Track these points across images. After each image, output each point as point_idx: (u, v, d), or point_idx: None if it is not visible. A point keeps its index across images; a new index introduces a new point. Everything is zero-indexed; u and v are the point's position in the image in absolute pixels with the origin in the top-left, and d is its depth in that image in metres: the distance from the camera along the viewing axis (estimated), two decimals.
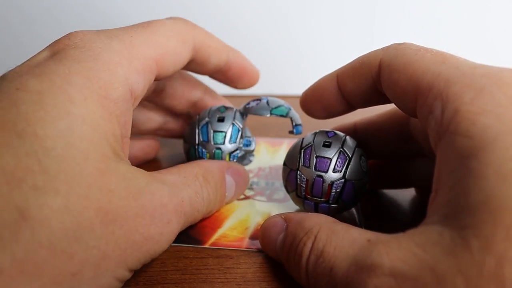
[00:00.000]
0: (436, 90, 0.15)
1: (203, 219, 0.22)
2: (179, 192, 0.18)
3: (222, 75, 0.25)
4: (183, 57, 0.21)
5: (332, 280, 0.15)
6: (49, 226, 0.13)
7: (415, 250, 0.13)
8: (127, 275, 0.16)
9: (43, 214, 0.13)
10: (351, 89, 0.20)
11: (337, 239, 0.16)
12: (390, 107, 0.21)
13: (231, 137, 0.23)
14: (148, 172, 0.18)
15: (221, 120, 0.24)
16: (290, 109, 0.24)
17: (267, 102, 0.24)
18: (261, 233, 0.20)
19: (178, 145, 0.31)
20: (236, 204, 0.24)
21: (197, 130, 0.24)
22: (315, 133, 0.22)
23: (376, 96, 0.20)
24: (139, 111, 0.27)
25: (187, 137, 0.24)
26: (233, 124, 0.24)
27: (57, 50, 0.17)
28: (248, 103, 0.24)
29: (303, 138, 0.22)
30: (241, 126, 0.24)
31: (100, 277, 0.14)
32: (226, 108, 0.24)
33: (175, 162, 0.28)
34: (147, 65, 0.19)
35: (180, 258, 0.20)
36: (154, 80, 0.20)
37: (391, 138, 0.23)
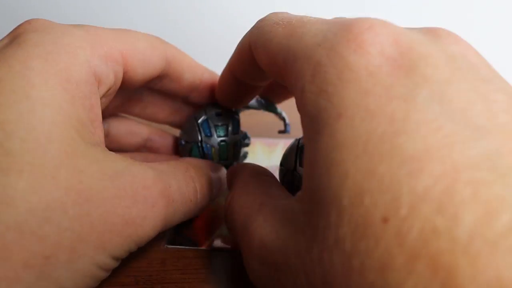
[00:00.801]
0: (288, 68, 0.15)
1: (198, 220, 0.22)
2: (166, 178, 0.17)
3: (199, 94, 0.24)
4: (153, 63, 0.20)
5: (234, 231, 0.17)
6: (15, 207, 0.13)
7: (276, 226, 0.15)
8: (110, 263, 0.15)
9: (7, 195, 0.13)
10: (244, 77, 0.20)
11: (244, 199, 0.17)
12: None
13: (233, 129, 0.23)
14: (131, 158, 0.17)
15: (220, 114, 0.24)
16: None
17: (262, 100, 0.24)
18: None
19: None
20: None
21: (197, 128, 0.24)
22: None
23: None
24: (118, 124, 0.26)
25: (186, 137, 0.24)
26: (232, 116, 0.24)
27: (17, 35, 0.17)
28: None
29: (299, 139, 0.22)
30: (239, 118, 0.24)
31: (77, 262, 0.14)
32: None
33: None
34: (111, 54, 0.18)
35: (180, 258, 0.20)
36: (125, 84, 0.20)
37: None
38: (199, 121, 0.24)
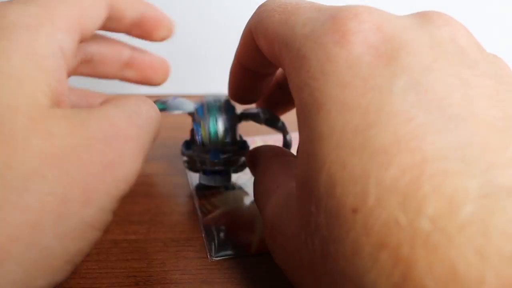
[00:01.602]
0: (283, 57, 0.15)
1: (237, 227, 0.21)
2: (124, 109, 0.17)
3: (139, 29, 0.24)
4: (100, 13, 0.20)
5: (260, 211, 0.18)
6: None
7: (281, 209, 0.15)
8: (102, 217, 0.15)
9: None
10: (251, 64, 0.20)
11: (266, 180, 0.18)
12: None
13: (230, 110, 0.23)
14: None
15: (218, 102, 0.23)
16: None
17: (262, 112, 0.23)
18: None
19: (178, 146, 0.31)
20: (254, 207, 0.24)
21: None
22: None
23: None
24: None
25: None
26: (227, 104, 0.23)
27: None
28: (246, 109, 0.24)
29: None
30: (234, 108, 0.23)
31: (65, 225, 0.14)
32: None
33: (175, 163, 0.28)
34: (70, 24, 0.18)
35: (180, 258, 0.20)
36: (80, 42, 0.20)
37: None
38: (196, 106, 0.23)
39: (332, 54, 0.13)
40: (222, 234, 0.21)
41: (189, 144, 0.24)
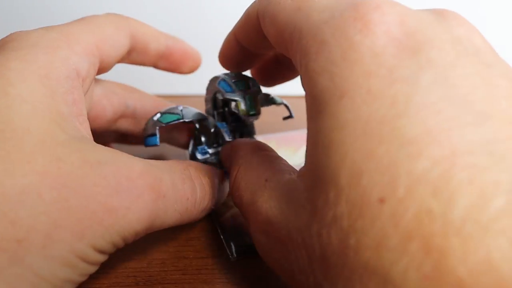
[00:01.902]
0: (294, 44, 0.15)
1: None
2: (157, 172, 0.17)
3: (165, 61, 0.25)
4: (122, 43, 0.21)
5: (241, 207, 0.17)
6: None
7: (281, 202, 0.15)
8: (93, 254, 0.15)
9: None
10: (248, 44, 0.20)
11: (249, 175, 0.17)
12: None
13: (253, 83, 0.22)
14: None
15: (233, 75, 0.22)
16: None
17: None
18: (220, 156, 0.22)
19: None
20: None
21: (217, 89, 0.22)
22: None
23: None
24: (112, 140, 0.26)
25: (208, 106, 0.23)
26: (246, 76, 0.23)
27: None
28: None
29: None
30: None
31: (52, 248, 0.13)
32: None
33: None
34: (87, 49, 0.19)
35: (180, 258, 0.20)
36: (100, 72, 0.21)
37: None
38: (216, 83, 0.22)
39: (354, 41, 0.13)
40: (239, 233, 0.21)
41: (201, 149, 0.24)
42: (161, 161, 0.18)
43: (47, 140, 0.15)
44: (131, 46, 0.22)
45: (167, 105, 0.24)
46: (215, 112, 0.24)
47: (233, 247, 0.20)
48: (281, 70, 0.24)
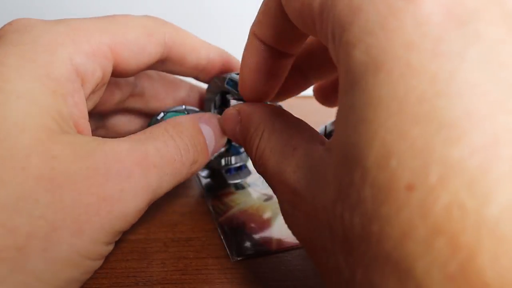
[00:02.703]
0: (325, 14, 0.13)
1: (254, 224, 0.21)
2: (141, 146, 0.17)
3: (207, 75, 0.23)
4: (149, 51, 0.20)
5: (266, 175, 0.17)
6: None
7: (308, 174, 0.14)
8: (95, 248, 0.15)
9: None
10: (272, 37, 0.18)
11: (274, 142, 0.17)
12: None
13: None
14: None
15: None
16: None
17: None
18: (221, 125, 0.20)
19: None
20: (267, 205, 0.24)
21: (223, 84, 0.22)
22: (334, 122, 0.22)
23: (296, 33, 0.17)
24: (120, 116, 0.25)
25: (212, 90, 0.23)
26: None
27: None
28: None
29: (326, 125, 0.22)
30: None
31: (53, 251, 0.14)
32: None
33: None
34: (98, 49, 0.18)
35: (180, 258, 0.20)
36: (117, 75, 0.19)
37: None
38: (225, 83, 0.22)
39: (396, 7, 0.11)
40: (240, 234, 0.21)
41: None
42: (142, 131, 0.18)
43: (43, 138, 0.14)
44: (164, 55, 0.21)
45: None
46: (216, 112, 0.24)
47: (233, 247, 0.20)
48: (298, 81, 0.23)
